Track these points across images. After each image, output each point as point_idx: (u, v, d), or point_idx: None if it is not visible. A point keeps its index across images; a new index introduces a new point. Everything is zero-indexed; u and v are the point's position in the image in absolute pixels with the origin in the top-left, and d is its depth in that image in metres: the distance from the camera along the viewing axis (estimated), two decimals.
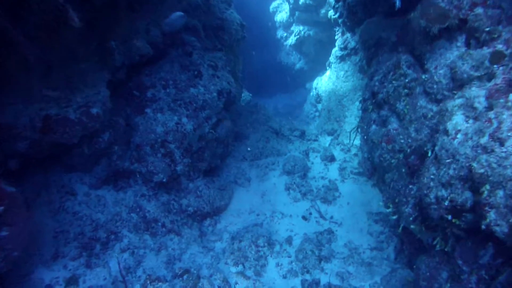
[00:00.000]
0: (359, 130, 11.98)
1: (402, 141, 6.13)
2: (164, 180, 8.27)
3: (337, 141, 12.82)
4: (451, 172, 4.74)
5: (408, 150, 5.98)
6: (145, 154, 8.26)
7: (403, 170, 6.17)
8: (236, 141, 11.73)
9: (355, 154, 11.75)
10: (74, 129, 6.75)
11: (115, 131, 8.07)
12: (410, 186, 5.99)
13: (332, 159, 11.53)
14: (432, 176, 5.14)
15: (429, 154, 5.52)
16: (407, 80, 6.52)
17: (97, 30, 7.43)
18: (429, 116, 5.68)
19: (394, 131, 6.49)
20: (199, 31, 10.40)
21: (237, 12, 14.05)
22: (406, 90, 6.47)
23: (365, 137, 7.81)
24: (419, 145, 5.79)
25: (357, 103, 13.75)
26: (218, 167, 10.29)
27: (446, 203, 4.76)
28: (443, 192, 4.83)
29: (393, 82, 6.78)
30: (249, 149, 11.60)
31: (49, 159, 7.36)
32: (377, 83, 7.35)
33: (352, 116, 13.62)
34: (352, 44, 14.51)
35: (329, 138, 13.32)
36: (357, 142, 11.91)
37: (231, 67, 12.50)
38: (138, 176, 8.33)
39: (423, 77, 6.07)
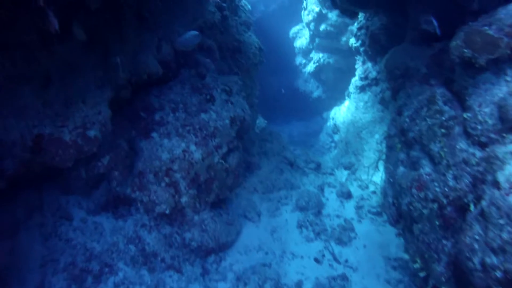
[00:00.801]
0: (378, 166, 11.20)
1: (437, 189, 5.25)
2: (167, 211, 7.50)
3: (354, 176, 11.94)
4: (504, 235, 3.84)
5: (444, 201, 5.09)
6: (148, 182, 7.51)
7: (436, 222, 5.28)
8: (248, 171, 10.92)
9: (373, 192, 10.85)
10: (67, 152, 6.07)
11: (116, 155, 7.39)
12: (444, 242, 5.10)
13: (348, 196, 10.64)
14: (476, 237, 4.25)
15: (472, 208, 4.63)
16: (444, 118, 5.67)
17: (101, 44, 6.79)
18: (472, 162, 4.81)
19: (427, 177, 5.61)
20: (215, 52, 9.69)
21: (256, 36, 13.44)
22: (442, 130, 5.60)
23: (390, 180, 6.93)
24: (459, 195, 4.91)
25: (376, 136, 12.94)
26: (227, 199, 9.45)
27: (498, 273, 3.85)
28: (493, 259, 3.93)
29: (427, 119, 5.93)
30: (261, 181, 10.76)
31: (46, 178, 6.75)
32: (407, 120, 6.50)
33: (370, 150, 12.76)
34: (373, 74, 13.76)
35: (345, 173, 12.45)
36: (376, 178, 11.06)
37: (247, 93, 11.76)
38: (139, 204, 7.53)
39: (465, 115, 5.20)
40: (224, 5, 10.75)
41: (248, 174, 10.87)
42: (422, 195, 5.58)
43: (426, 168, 5.73)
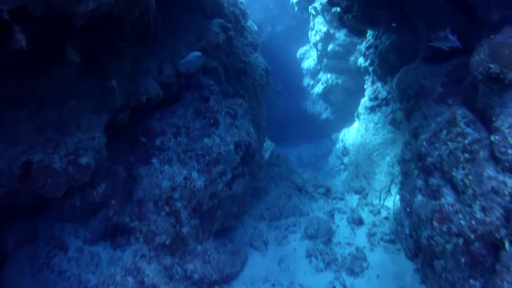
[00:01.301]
0: (390, 190, 10.59)
1: (462, 222, 4.62)
2: (167, 242, 6.97)
3: (365, 201, 11.31)
4: None
5: (472, 235, 4.47)
6: (147, 211, 7.00)
7: (462, 259, 4.65)
8: (254, 197, 10.35)
9: (386, 218, 10.21)
10: (57, 181, 5.60)
11: (113, 182, 6.87)
12: (472, 282, 4.48)
13: (360, 222, 10.00)
14: None
15: (507, 246, 4.02)
16: (467, 142, 5.07)
17: (97, 66, 6.35)
18: (503, 192, 4.21)
19: (450, 208, 4.99)
20: (219, 74, 9.22)
21: (263, 57, 13.01)
22: (466, 155, 4.99)
23: (407, 209, 6.30)
24: (489, 230, 4.30)
25: (387, 158, 12.38)
26: (232, 227, 8.87)
27: None
28: None
29: (448, 143, 5.34)
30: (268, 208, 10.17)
31: (40, 205, 6.22)
32: (424, 143, 5.91)
33: (382, 173, 12.19)
34: (383, 94, 13.26)
35: (356, 197, 11.84)
36: (388, 203, 10.44)
37: (253, 115, 11.26)
38: (138, 234, 6.99)
39: (492, 138, 4.61)
40: (229, 25, 10.30)
41: (254, 200, 10.30)
42: (444, 228, 4.94)
43: (448, 198, 5.10)
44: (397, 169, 11.96)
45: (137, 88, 7.09)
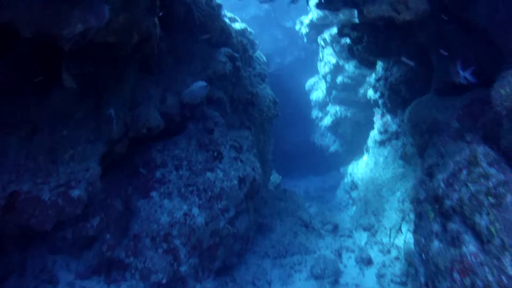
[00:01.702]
0: (401, 229, 10.03)
1: (489, 276, 4.06)
2: (164, 281, 6.48)
3: (374, 239, 10.73)
4: None
5: None
6: (144, 247, 6.58)
7: None
8: (259, 234, 9.82)
9: (396, 258, 9.60)
10: (45, 214, 5.23)
11: (108, 216, 6.51)
12: None
13: (368, 262, 9.40)
14: None
15: None
16: (491, 184, 4.53)
17: (94, 92, 5.98)
18: None
19: (473, 258, 4.43)
20: (225, 105, 8.83)
21: (272, 88, 12.66)
22: (490, 199, 4.45)
23: (422, 255, 5.73)
24: None
25: (398, 194, 11.83)
26: (234, 265, 8.33)
27: None
28: None
29: (469, 185, 4.81)
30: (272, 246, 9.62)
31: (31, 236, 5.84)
32: (442, 184, 5.39)
33: (392, 210, 11.61)
34: (393, 127, 12.79)
35: (365, 235, 11.24)
36: (398, 241, 9.85)
37: (260, 148, 10.84)
38: (134, 270, 6.50)
39: None
40: (237, 55, 9.97)
41: (259, 236, 9.77)
42: (467, 281, 4.36)
43: (471, 247, 4.54)
44: (407, 205, 11.42)
45: (138, 118, 6.71)
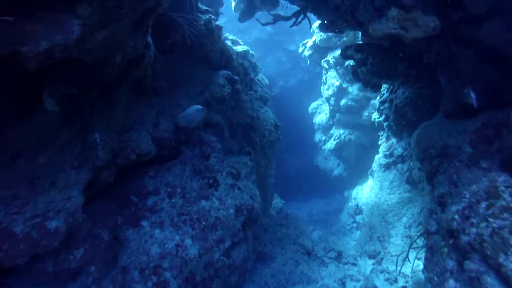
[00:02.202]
0: (408, 256, 9.37)
1: None
2: None
3: (380, 267, 10.05)
4: None
5: None
6: (132, 280, 5.94)
7: None
8: (258, 263, 9.17)
9: (404, 287, 8.94)
10: (17, 248, 4.60)
11: (94, 247, 5.88)
12: None
13: None
14: None
15: None
16: None
17: (80, 117, 5.45)
18: None
19: None
20: (222, 129, 8.28)
21: (275, 111, 12.15)
22: None
23: None
24: None
25: (404, 219, 11.23)
26: None
27: None
28: None
29: (490, 220, 4.18)
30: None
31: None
32: (457, 217, 4.76)
33: (398, 236, 10.99)
34: (398, 150, 12.23)
35: (370, 262, 10.57)
36: (406, 270, 9.19)
37: (261, 173, 10.26)
38: None
39: None
40: (237, 78, 9.46)
41: (258, 265, 9.11)
42: None
43: None
44: (414, 231, 10.80)
45: (127, 143, 6.16)
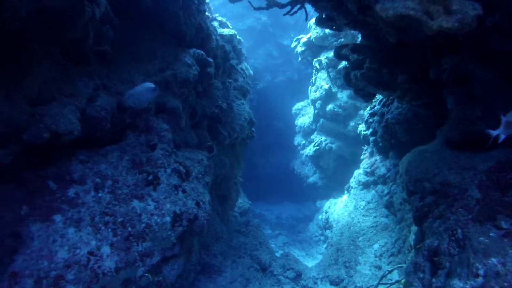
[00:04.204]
0: None
1: None
2: None
3: None
4: None
5: None
6: None
7: None
8: (203, 275, 7.72)
9: None
10: None
11: None
12: None
13: None
14: None
15: None
16: None
17: None
18: None
19: None
20: (179, 117, 6.74)
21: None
22: None
23: None
24: None
25: (375, 246, 9.95)
26: None
27: None
28: None
29: None
30: None
31: None
32: None
33: (366, 264, 9.70)
34: (381, 170, 10.91)
35: None
36: None
37: (223, 173, 8.78)
38: None
39: None
40: (211, 60, 7.94)
41: (202, 279, 7.66)
42: None
43: None
44: (385, 262, 9.52)
45: (41, 117, 4.63)
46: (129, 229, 5.15)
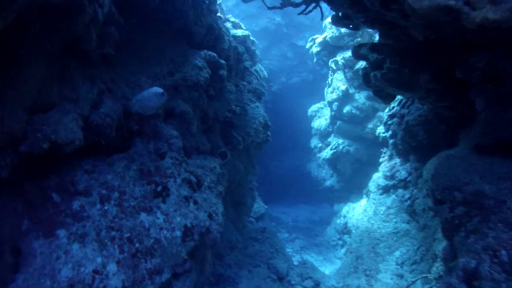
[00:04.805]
0: None
1: None
2: None
3: None
4: None
5: None
6: None
7: None
8: (217, 286, 7.34)
9: None
10: None
11: None
12: None
13: None
14: None
15: None
16: None
17: None
18: None
19: None
20: (190, 122, 6.37)
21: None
22: None
23: None
24: None
25: (397, 253, 9.49)
26: None
27: None
28: None
29: None
30: None
31: None
32: None
33: (387, 272, 9.25)
34: (402, 174, 10.41)
35: None
36: None
37: (237, 179, 8.40)
38: None
39: None
40: (223, 62, 7.58)
41: None
42: None
43: None
44: (407, 270, 9.06)
45: (41, 126, 4.29)
46: (137, 244, 4.80)
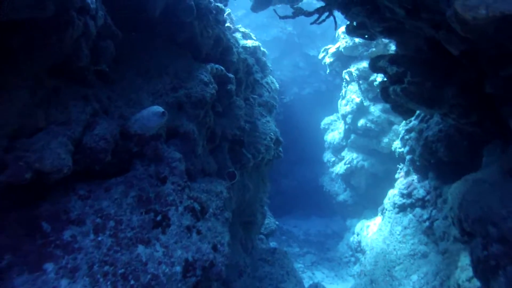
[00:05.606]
0: None
1: None
2: None
3: None
4: None
5: None
6: None
7: None
8: None
9: None
10: None
11: None
12: None
13: None
14: None
15: None
16: None
17: None
18: None
19: None
20: (195, 142, 5.84)
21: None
22: None
23: None
24: None
25: (414, 277, 8.96)
26: None
27: None
28: None
29: None
30: None
31: None
32: None
33: None
34: (420, 192, 9.83)
35: None
36: None
37: (246, 199, 7.88)
38: None
39: None
40: (231, 76, 7.09)
41: None
42: None
43: None
44: None
45: (24, 153, 3.81)
46: (132, 281, 4.27)
